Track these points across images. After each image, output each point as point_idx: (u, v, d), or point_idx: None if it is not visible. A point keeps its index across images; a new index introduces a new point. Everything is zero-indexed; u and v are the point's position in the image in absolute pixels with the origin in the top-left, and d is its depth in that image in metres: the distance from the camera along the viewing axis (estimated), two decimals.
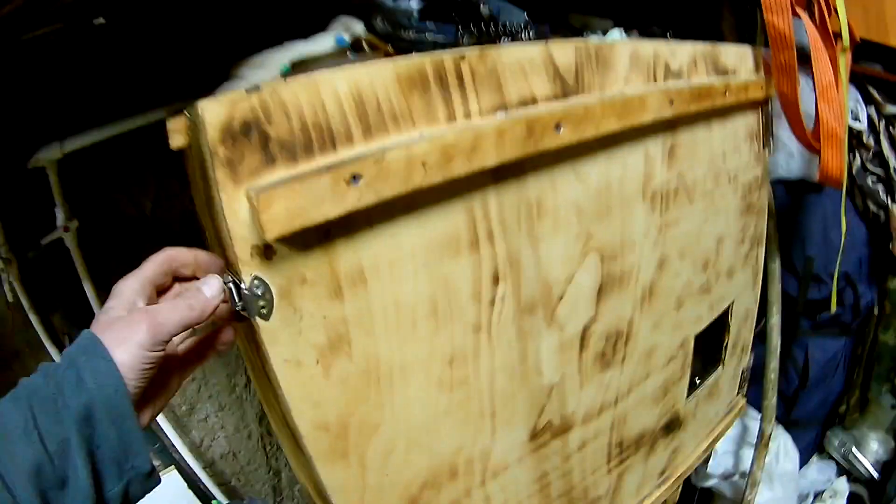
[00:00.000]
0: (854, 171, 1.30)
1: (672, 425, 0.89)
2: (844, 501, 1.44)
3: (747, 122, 0.88)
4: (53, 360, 1.19)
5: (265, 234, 0.38)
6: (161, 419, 1.27)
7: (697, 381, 0.92)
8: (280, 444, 1.19)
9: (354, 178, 0.41)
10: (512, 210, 0.54)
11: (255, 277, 0.41)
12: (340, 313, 0.45)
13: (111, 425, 0.33)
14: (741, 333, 1.04)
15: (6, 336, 1.10)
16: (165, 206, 1.18)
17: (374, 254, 0.46)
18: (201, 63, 0.93)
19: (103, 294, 1.13)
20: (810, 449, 1.50)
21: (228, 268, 0.43)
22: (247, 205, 0.39)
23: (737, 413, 1.09)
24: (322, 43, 0.80)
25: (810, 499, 1.50)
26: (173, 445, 1.32)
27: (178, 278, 0.44)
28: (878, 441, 1.45)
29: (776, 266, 1.22)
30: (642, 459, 0.85)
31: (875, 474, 1.43)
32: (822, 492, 1.51)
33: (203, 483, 1.32)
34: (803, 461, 1.44)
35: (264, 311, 0.42)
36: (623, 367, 0.74)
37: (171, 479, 1.23)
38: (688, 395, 0.90)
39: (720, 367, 0.99)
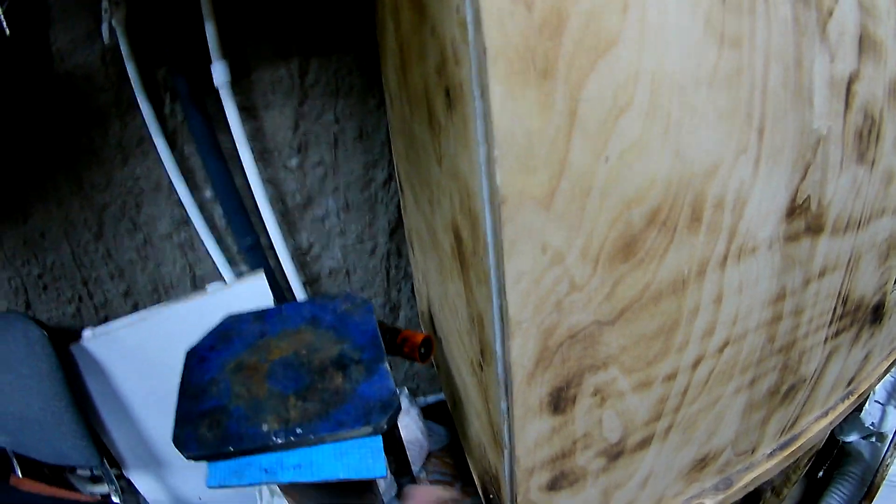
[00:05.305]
0: None
1: (878, 311, 0.66)
2: None
3: None
4: (145, 125, 0.81)
5: None
6: (265, 209, 0.89)
7: None
8: (414, 252, 0.87)
9: None
10: None
11: None
12: None
13: None
14: None
15: (91, 94, 0.80)
16: None
17: None
18: None
19: (228, 48, 0.81)
20: None
21: None
22: None
23: None
24: None
25: None
26: (272, 245, 0.92)
27: None
28: None
29: None
30: (848, 345, 0.62)
31: None
32: None
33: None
34: None
35: None
36: (871, 174, 0.53)
37: (252, 285, 0.87)
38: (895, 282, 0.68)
39: None
